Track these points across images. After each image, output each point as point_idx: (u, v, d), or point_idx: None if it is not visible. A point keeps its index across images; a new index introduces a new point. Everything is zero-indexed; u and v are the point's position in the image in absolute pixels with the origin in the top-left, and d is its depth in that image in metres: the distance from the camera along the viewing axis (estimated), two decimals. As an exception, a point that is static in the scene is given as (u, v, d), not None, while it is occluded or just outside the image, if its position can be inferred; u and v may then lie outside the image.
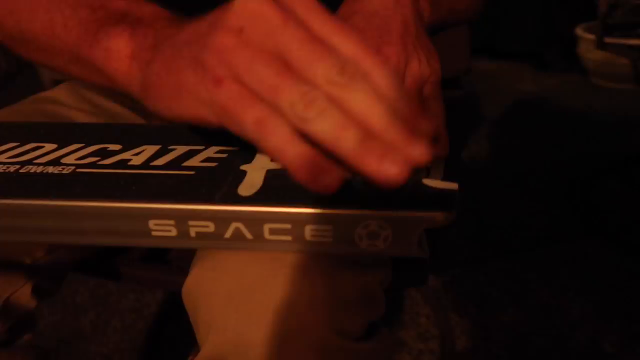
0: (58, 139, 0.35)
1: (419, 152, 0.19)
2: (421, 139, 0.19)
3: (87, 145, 0.34)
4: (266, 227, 0.27)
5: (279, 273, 0.30)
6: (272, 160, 0.31)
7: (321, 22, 0.21)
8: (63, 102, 0.52)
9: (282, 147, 0.20)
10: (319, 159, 0.20)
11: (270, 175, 0.30)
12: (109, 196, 0.28)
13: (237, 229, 0.27)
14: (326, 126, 0.19)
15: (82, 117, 0.50)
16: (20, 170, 0.31)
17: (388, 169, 0.19)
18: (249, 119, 0.21)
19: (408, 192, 0.27)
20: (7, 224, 0.29)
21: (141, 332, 0.93)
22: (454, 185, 0.28)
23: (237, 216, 0.27)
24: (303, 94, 0.20)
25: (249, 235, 0.27)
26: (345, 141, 0.19)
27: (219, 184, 0.29)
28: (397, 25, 0.34)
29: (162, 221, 0.27)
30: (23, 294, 0.42)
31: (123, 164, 0.31)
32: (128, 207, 0.27)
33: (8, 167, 0.31)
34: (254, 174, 0.30)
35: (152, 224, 0.27)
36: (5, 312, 0.41)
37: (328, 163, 0.21)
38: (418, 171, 0.28)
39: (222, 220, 0.27)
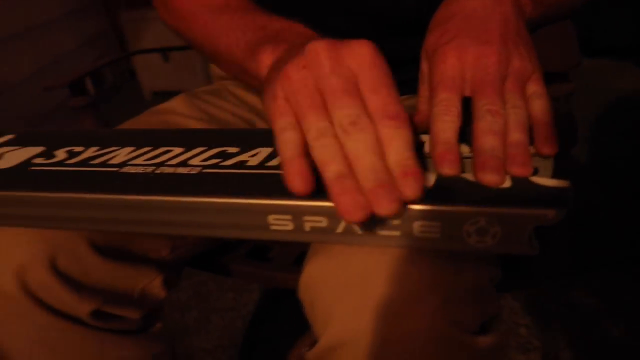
0: (183, 144, 0.38)
1: (384, 208, 0.24)
2: (390, 199, 0.24)
3: (209, 148, 0.37)
4: (376, 223, 0.28)
5: (392, 265, 0.31)
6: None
7: (365, 78, 0.28)
8: (179, 111, 0.57)
9: (289, 155, 0.27)
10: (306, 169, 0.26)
11: None
12: (233, 193, 0.30)
13: (348, 225, 0.28)
14: (321, 154, 0.26)
15: (196, 124, 0.55)
16: (156, 171, 0.34)
17: (348, 205, 0.24)
18: (277, 126, 0.28)
19: (518, 189, 0.27)
20: (144, 218, 0.32)
21: (240, 330, 0.97)
22: (565, 183, 0.27)
23: None
24: (318, 128, 0.26)
25: (359, 231, 0.28)
26: (329, 171, 0.25)
27: None
28: (496, 23, 0.34)
29: (280, 216, 0.29)
30: (155, 285, 0.46)
31: (242, 164, 0.34)
32: (250, 203, 0.29)
33: (146, 168, 0.35)
34: None
35: (271, 218, 0.29)
36: (141, 300, 0.45)
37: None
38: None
39: (335, 215, 0.28)
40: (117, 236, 0.43)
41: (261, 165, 0.33)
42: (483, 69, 0.32)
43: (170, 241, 0.47)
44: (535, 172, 0.29)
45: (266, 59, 0.37)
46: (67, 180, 0.34)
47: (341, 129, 0.26)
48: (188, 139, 0.39)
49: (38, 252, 0.38)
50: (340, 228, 0.28)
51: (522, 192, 0.27)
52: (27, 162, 0.37)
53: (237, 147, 0.37)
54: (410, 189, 0.25)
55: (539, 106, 0.32)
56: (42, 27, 1.78)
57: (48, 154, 0.38)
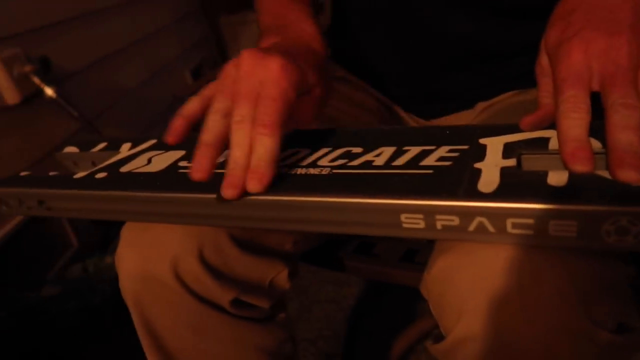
0: (308, 144, 0.40)
1: (225, 191, 0.33)
2: (234, 187, 0.33)
3: (334, 149, 0.39)
4: (509, 222, 0.28)
5: (524, 260, 0.31)
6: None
7: (263, 89, 0.34)
8: None
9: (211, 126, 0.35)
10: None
11: (505, 172, 0.31)
12: (366, 193, 0.31)
13: (480, 223, 0.28)
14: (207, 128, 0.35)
15: (311, 124, 0.58)
16: (289, 172, 0.36)
17: (226, 188, 0.33)
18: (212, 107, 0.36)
19: None
20: (284, 216, 0.34)
21: (340, 321, 1.01)
22: None
23: (481, 211, 0.28)
24: (217, 108, 0.35)
25: (491, 229, 0.28)
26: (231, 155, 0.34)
27: (459, 181, 0.31)
28: (625, 13, 0.32)
29: (413, 215, 0.30)
30: (282, 277, 0.49)
31: (368, 165, 0.35)
32: (384, 203, 0.31)
33: (280, 169, 0.36)
34: (489, 171, 0.31)
35: (403, 217, 0.30)
36: (270, 291, 0.49)
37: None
38: None
39: (467, 214, 0.29)
40: (252, 231, 0.46)
41: (387, 165, 0.34)
42: (613, 62, 0.31)
43: (293, 236, 0.51)
44: None
45: (263, 44, 0.43)
46: (213, 183, 0.37)
47: (232, 123, 0.34)
48: (311, 139, 0.41)
49: (189, 245, 0.43)
50: (472, 226, 0.29)
51: None
52: (175, 165, 0.41)
53: (360, 147, 0.38)
54: (251, 184, 0.32)
55: None
56: (153, 35, 1.94)
57: (189, 157, 0.41)
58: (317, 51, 0.44)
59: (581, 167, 0.28)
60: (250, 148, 0.33)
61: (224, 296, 0.45)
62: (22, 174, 0.45)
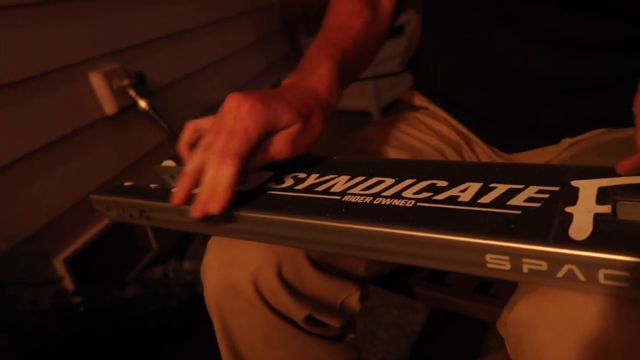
0: (393, 174, 0.40)
1: (192, 210, 0.39)
2: (199, 208, 0.38)
3: (418, 180, 0.38)
4: (601, 272, 0.27)
5: (614, 310, 0.30)
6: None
7: (233, 126, 0.40)
8: (375, 139, 0.61)
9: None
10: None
11: (598, 219, 0.29)
12: (451, 230, 0.31)
13: (570, 271, 0.27)
14: (189, 161, 0.41)
15: (391, 151, 0.59)
16: (374, 202, 0.36)
17: (193, 209, 0.38)
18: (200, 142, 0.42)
19: None
20: (366, 245, 0.34)
21: (404, 347, 1.00)
22: None
23: (572, 259, 0.27)
24: (200, 144, 0.41)
25: (582, 278, 0.27)
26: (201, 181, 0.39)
27: (548, 225, 0.29)
28: None
29: (498, 256, 0.29)
30: (353, 299, 0.50)
31: (454, 200, 0.34)
32: (469, 242, 0.30)
33: (365, 199, 0.37)
34: (582, 217, 0.30)
35: (488, 257, 0.29)
36: (341, 311, 0.50)
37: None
38: None
39: (556, 261, 0.27)
40: (328, 253, 0.48)
41: (473, 202, 0.34)
42: None
43: (366, 260, 0.52)
44: None
45: (284, 81, 0.49)
46: (300, 206, 0.38)
47: (207, 153, 0.40)
48: (396, 169, 0.41)
49: (268, 260, 0.45)
50: (561, 273, 0.28)
51: None
52: (265, 186, 0.43)
53: (445, 180, 0.38)
54: (210, 205, 0.38)
55: None
56: (237, 53, 2.04)
57: (278, 179, 0.44)
58: (316, 93, 0.47)
59: None
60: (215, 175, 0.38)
61: (299, 312, 0.47)
62: (126, 184, 0.49)
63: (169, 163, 0.53)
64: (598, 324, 0.30)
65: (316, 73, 0.48)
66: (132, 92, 1.34)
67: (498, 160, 0.64)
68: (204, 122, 0.45)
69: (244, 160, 0.39)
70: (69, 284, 1.05)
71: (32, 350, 0.74)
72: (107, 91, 1.27)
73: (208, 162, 0.39)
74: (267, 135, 0.42)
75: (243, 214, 0.39)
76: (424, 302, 0.64)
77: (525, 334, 0.34)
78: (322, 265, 0.48)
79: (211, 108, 1.84)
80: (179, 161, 0.53)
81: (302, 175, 0.44)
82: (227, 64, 1.97)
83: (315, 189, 0.40)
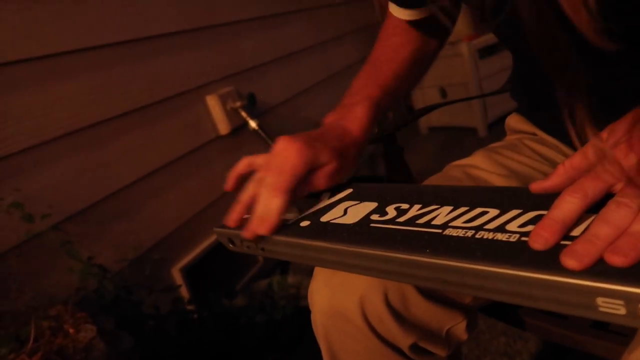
0: (498, 204, 0.38)
1: (246, 231, 0.45)
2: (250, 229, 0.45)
3: (525, 211, 0.36)
4: None
5: None
6: None
7: (280, 164, 0.46)
8: (481, 167, 0.59)
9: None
10: None
11: None
12: (559, 270, 0.29)
13: None
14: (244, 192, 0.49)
15: (498, 179, 0.57)
16: (476, 236, 0.35)
17: (245, 230, 0.46)
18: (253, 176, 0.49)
19: None
20: (466, 282, 0.33)
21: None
22: None
23: None
24: (253, 178, 0.49)
25: None
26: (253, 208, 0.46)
27: None
28: None
29: (611, 300, 0.27)
30: (459, 327, 0.49)
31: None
32: (578, 284, 0.28)
33: (466, 232, 0.35)
34: None
35: (599, 301, 0.27)
36: (447, 340, 0.49)
37: None
38: None
39: None
40: None
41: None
42: (638, 170, 0.30)
43: None
44: None
45: (325, 119, 0.56)
46: (401, 241, 0.37)
47: (258, 186, 0.46)
48: (501, 198, 0.39)
49: (375, 287, 0.46)
50: None
51: None
52: (367, 219, 0.42)
53: None
54: (260, 228, 0.44)
55: None
56: (340, 72, 2.09)
57: (381, 211, 0.43)
58: (351, 133, 0.53)
59: (534, 244, 0.30)
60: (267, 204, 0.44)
61: (404, 340, 0.46)
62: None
63: None
64: None
65: (353, 114, 0.55)
66: (243, 113, 1.43)
67: None
68: (257, 159, 0.50)
69: (290, 193, 0.45)
70: (184, 291, 1.13)
71: (151, 352, 0.81)
72: (221, 112, 1.38)
73: (260, 193, 0.45)
74: (310, 170, 0.48)
75: (346, 248, 0.40)
76: (535, 334, 0.60)
77: None
78: (428, 292, 0.48)
79: (316, 126, 1.90)
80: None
81: (404, 206, 0.43)
82: (331, 83, 2.03)
83: (417, 222, 0.40)
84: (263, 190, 0.45)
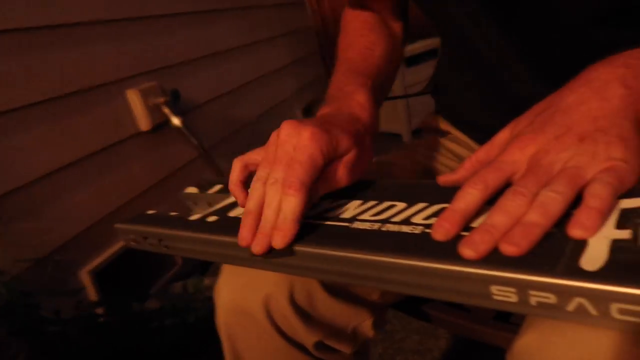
0: (406, 198, 0.39)
1: (255, 245, 0.36)
2: (263, 242, 0.35)
3: (430, 204, 0.37)
4: (614, 307, 0.25)
5: (621, 347, 0.28)
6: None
7: (293, 155, 0.37)
8: (397, 163, 0.60)
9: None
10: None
11: (616, 246, 0.27)
12: (455, 260, 0.29)
13: (580, 304, 0.26)
14: (250, 192, 0.39)
15: (413, 177, 0.58)
16: (382, 228, 0.35)
17: (241, 234, 0.37)
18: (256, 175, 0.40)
19: None
20: (369, 274, 0.33)
21: (424, 375, 0.96)
22: None
23: (581, 292, 0.25)
24: (258, 176, 0.39)
25: (593, 312, 0.25)
26: (247, 204, 0.38)
27: (559, 253, 0.28)
28: (583, 120, 0.32)
29: (504, 288, 0.27)
30: (366, 325, 0.49)
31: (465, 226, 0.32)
32: (472, 273, 0.28)
33: (373, 225, 0.36)
34: (597, 243, 0.28)
35: (493, 289, 0.28)
36: (353, 337, 0.49)
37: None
38: None
39: (565, 294, 0.26)
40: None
41: None
42: (535, 160, 0.32)
43: None
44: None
45: (319, 112, 0.47)
46: (308, 234, 0.37)
47: (267, 184, 0.37)
48: (410, 192, 0.40)
49: (281, 285, 0.45)
50: (570, 306, 0.26)
51: None
52: None
53: None
54: (275, 240, 0.35)
55: (592, 189, 0.29)
56: (272, 74, 2.08)
57: None
58: (361, 119, 0.45)
59: (436, 235, 0.30)
60: (279, 207, 0.36)
61: (309, 338, 0.46)
62: (149, 212, 0.49)
63: (192, 190, 0.53)
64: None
65: (355, 100, 0.47)
66: (166, 110, 1.38)
67: None
68: (254, 156, 0.43)
69: (309, 190, 0.36)
70: (93, 295, 1.07)
71: (50, 358, 0.75)
72: (142, 108, 1.32)
73: (268, 192, 0.36)
74: (329, 162, 0.40)
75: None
76: (443, 328, 0.62)
77: None
78: (335, 290, 0.47)
79: (244, 127, 1.88)
80: (203, 188, 0.53)
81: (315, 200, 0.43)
82: (261, 84, 2.01)
83: (326, 215, 0.39)
84: (271, 189, 0.36)
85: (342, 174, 0.41)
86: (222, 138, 1.70)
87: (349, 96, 0.47)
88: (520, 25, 0.47)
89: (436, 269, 0.30)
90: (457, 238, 0.31)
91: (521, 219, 0.29)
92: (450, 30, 0.57)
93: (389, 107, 2.24)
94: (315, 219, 0.39)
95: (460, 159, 0.62)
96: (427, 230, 0.33)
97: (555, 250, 0.28)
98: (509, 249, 0.28)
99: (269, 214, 0.36)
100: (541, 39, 0.48)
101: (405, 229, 0.34)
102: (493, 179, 0.32)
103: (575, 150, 0.31)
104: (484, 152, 0.38)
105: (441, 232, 0.31)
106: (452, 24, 0.52)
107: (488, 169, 0.33)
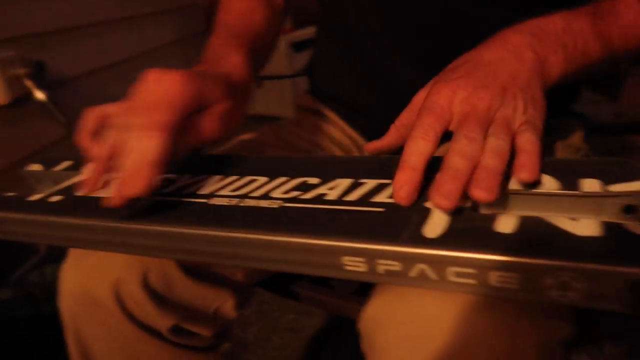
0: (268, 172, 0.39)
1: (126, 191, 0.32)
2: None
3: (292, 178, 0.37)
4: (450, 270, 0.27)
5: (459, 312, 0.30)
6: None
7: (157, 100, 0.35)
8: (265, 141, 0.61)
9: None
10: None
11: (457, 213, 0.29)
12: (308, 233, 0.30)
13: (421, 270, 0.27)
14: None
15: (280, 153, 0.59)
16: (240, 204, 0.35)
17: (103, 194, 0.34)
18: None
19: (610, 240, 0.25)
20: (225, 251, 0.33)
21: (297, 352, 1.00)
22: None
23: (422, 258, 0.27)
24: (118, 124, 0.36)
25: (433, 276, 0.27)
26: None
27: (406, 222, 0.29)
28: (503, 75, 0.34)
29: (354, 258, 0.29)
30: (228, 306, 0.49)
31: (320, 198, 0.34)
32: (324, 245, 0.29)
33: (231, 200, 0.35)
34: (440, 213, 0.29)
35: (345, 259, 0.29)
36: (214, 319, 0.48)
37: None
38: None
39: (408, 260, 0.27)
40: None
41: (339, 200, 0.33)
42: (472, 105, 0.32)
43: None
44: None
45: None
46: (160, 212, 0.35)
47: (124, 130, 0.34)
48: (272, 166, 0.40)
49: (133, 268, 0.42)
50: (413, 272, 0.28)
51: (615, 244, 0.25)
52: None
53: (318, 177, 0.37)
54: (126, 185, 0.32)
55: (524, 137, 0.31)
56: (155, 51, 1.97)
57: None
58: (233, 76, 0.44)
59: (401, 201, 0.30)
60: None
61: (163, 322, 0.44)
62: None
63: (35, 167, 0.49)
64: (443, 327, 0.30)
65: (229, 61, 0.45)
66: (28, 82, 1.25)
67: None
68: (110, 108, 0.40)
69: (171, 133, 0.33)
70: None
71: None
72: (-1, 79, 1.18)
73: (126, 140, 0.33)
74: (196, 110, 0.37)
75: (93, 222, 0.36)
76: (311, 305, 0.64)
77: (376, 331, 0.34)
78: (194, 271, 0.46)
79: (122, 106, 1.76)
80: (49, 165, 0.48)
81: (172, 176, 0.41)
82: (142, 61, 1.90)
83: (183, 192, 0.38)
84: (128, 135, 0.33)
85: (211, 126, 0.38)
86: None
87: (224, 57, 0.46)
88: (396, 11, 0.50)
89: (289, 242, 0.30)
90: (308, 211, 0.32)
91: (480, 164, 0.29)
92: (331, 15, 0.59)
93: (274, 90, 2.25)
94: (171, 195, 0.38)
95: (327, 136, 0.65)
96: (286, 205, 0.33)
97: (403, 219, 0.29)
98: (482, 195, 0.28)
99: (125, 161, 0.32)
100: (415, 24, 0.51)
101: (264, 203, 0.34)
102: (439, 127, 0.32)
103: (501, 101, 0.32)
104: (406, 114, 0.38)
105: (404, 197, 0.30)
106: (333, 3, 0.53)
107: (429, 117, 0.32)
